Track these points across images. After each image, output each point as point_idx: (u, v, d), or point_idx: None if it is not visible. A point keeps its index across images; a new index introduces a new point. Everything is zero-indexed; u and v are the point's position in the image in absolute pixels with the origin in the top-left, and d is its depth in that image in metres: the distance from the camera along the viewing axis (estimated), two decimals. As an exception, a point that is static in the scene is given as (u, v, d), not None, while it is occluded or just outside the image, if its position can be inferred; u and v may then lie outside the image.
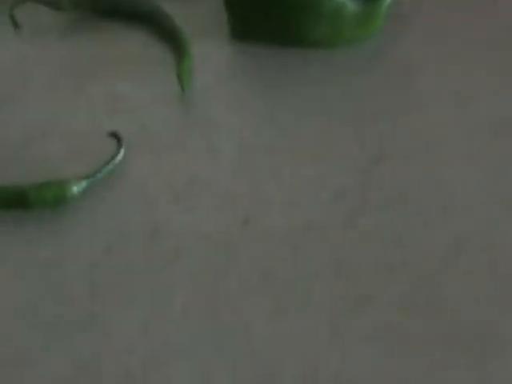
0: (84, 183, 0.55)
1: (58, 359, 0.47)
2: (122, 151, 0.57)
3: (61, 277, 0.52)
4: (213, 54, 0.65)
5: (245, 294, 0.50)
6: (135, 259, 0.53)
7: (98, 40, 0.67)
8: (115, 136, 0.58)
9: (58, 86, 0.63)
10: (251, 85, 0.62)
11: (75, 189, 0.55)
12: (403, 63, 0.63)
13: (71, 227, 0.54)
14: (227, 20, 0.66)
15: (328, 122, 0.60)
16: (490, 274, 0.49)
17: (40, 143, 0.59)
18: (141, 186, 0.56)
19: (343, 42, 0.63)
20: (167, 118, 0.60)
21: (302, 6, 0.61)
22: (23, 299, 0.51)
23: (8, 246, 0.54)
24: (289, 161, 0.58)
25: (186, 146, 0.59)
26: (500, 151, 0.57)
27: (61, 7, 0.68)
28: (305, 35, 0.63)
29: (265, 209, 0.55)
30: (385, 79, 0.62)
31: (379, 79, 0.62)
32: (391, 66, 0.63)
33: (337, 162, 0.57)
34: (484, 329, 0.46)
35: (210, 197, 0.56)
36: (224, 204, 0.55)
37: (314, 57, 0.64)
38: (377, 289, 0.49)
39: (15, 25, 0.68)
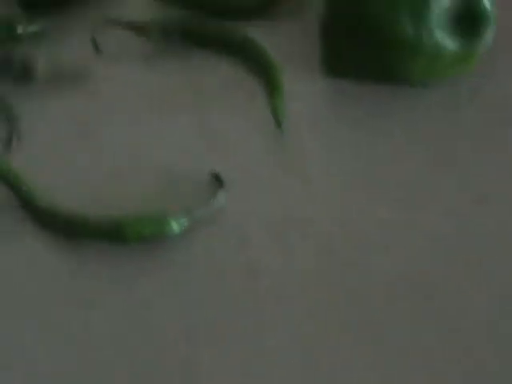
0: (184, 221, 0.54)
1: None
2: (224, 194, 0.56)
3: (155, 318, 0.51)
4: (303, 87, 0.64)
5: (342, 338, 0.49)
6: (232, 300, 0.52)
7: (187, 69, 0.66)
8: (217, 178, 0.57)
9: (146, 115, 0.63)
10: (344, 120, 0.62)
11: (175, 226, 0.54)
12: (499, 100, 0.62)
13: (167, 265, 0.54)
14: (320, 53, 0.65)
15: (423, 160, 0.59)
16: None
17: (131, 175, 0.59)
18: (236, 224, 0.56)
19: (438, 79, 0.62)
20: (261, 153, 0.60)
21: (402, 43, 0.60)
22: (116, 342, 0.50)
23: (100, 283, 0.53)
24: (384, 201, 0.57)
25: (281, 183, 0.58)
26: None
27: (149, 34, 0.67)
28: (400, 72, 0.62)
29: (361, 251, 0.54)
30: (481, 116, 0.61)
31: (475, 116, 0.61)
32: (487, 103, 0.62)
33: (434, 204, 0.56)
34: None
35: (306, 236, 0.55)
36: (320, 244, 0.54)
37: (407, 93, 0.63)
38: None
39: (96, 49, 0.67)
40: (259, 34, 0.68)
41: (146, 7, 0.70)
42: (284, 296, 0.52)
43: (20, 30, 0.67)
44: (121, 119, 0.63)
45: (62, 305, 0.52)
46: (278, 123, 0.60)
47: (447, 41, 0.60)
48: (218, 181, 0.57)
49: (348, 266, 0.54)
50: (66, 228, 0.54)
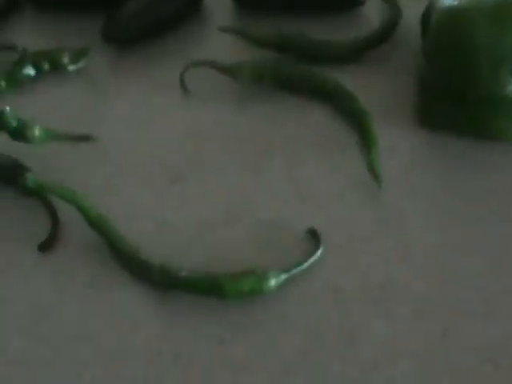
0: (282, 277, 0.53)
1: None
2: (320, 250, 0.55)
3: (250, 375, 0.50)
4: (396, 138, 0.62)
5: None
6: (330, 365, 0.50)
7: (278, 115, 0.65)
8: (313, 234, 0.56)
9: (235, 162, 0.62)
10: (440, 177, 0.60)
11: (273, 282, 0.53)
12: None
13: (262, 323, 0.53)
14: (415, 106, 0.64)
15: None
16: None
17: (222, 228, 0.58)
18: (333, 284, 0.55)
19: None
20: (357, 209, 0.59)
21: (501, 100, 0.59)
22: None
23: (195, 339, 0.52)
24: (486, 265, 0.55)
25: (379, 242, 0.57)
26: None
27: (240, 77, 0.65)
28: (499, 129, 0.60)
29: (463, 319, 0.52)
30: None
31: None
32: None
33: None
34: None
35: (407, 302, 0.54)
36: (421, 312, 0.53)
37: (506, 150, 0.61)
38: None
39: (184, 89, 0.66)
40: (349, 80, 0.66)
41: (236, 49, 0.69)
42: (385, 368, 0.50)
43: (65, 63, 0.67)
44: (206, 167, 0.62)
45: (153, 359, 0.51)
46: (377, 178, 0.58)
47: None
48: (314, 237, 0.56)
49: (450, 337, 0.52)
50: (161, 279, 0.53)
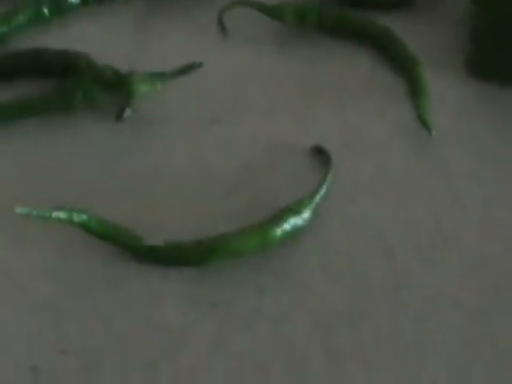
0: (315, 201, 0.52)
1: None
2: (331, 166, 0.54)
3: (292, 333, 0.48)
4: (446, 88, 0.60)
5: (500, 370, 0.46)
6: (375, 314, 0.49)
7: (322, 58, 0.62)
8: (320, 151, 0.55)
9: (277, 105, 0.59)
10: (490, 127, 0.58)
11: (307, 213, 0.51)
12: None
13: (303, 272, 0.51)
14: (466, 55, 0.61)
15: None
16: None
17: (262, 170, 0.55)
18: (379, 232, 0.52)
19: None
20: (403, 157, 0.56)
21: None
22: (250, 358, 0.47)
23: (233, 288, 0.50)
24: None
25: (428, 191, 0.54)
26: None
27: (282, 17, 0.63)
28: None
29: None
30: None
31: None
32: None
33: None
34: None
35: (456, 254, 0.51)
36: (472, 265, 0.51)
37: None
38: None
39: (223, 29, 0.63)
40: (399, 27, 0.64)
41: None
42: (433, 320, 0.48)
43: None
44: (247, 108, 0.59)
45: (189, 307, 0.49)
46: (428, 126, 0.56)
47: None
48: (321, 153, 0.54)
49: (502, 294, 0.49)
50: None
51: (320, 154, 0.55)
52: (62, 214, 0.49)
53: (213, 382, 0.46)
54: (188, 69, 0.57)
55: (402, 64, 0.61)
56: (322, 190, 0.53)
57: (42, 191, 0.54)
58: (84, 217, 0.50)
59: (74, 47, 0.61)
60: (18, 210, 0.48)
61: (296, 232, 0.51)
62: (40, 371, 0.46)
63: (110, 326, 0.48)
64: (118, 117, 0.57)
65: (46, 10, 0.64)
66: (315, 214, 0.52)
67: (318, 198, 0.52)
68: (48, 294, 0.49)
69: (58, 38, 0.64)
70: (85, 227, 0.50)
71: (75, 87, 0.57)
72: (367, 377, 0.46)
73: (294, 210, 0.51)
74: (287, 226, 0.50)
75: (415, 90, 0.58)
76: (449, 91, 0.60)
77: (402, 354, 0.47)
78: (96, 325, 0.48)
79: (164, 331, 0.48)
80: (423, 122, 0.56)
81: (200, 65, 0.57)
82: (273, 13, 0.63)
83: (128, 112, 0.57)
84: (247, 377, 0.46)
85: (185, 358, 0.47)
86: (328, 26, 0.63)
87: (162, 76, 0.57)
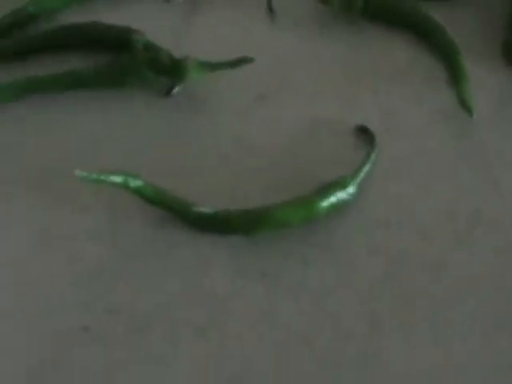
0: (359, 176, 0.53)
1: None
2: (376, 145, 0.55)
3: (337, 306, 0.49)
4: (483, 76, 0.61)
5: None
6: (414, 288, 0.50)
7: (364, 44, 0.64)
8: (364, 130, 0.56)
9: (322, 87, 0.61)
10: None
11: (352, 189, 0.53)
12: None
13: (348, 245, 0.52)
14: (504, 44, 0.63)
15: None
16: None
17: (305, 148, 0.57)
18: (415, 214, 0.54)
19: None
20: (442, 142, 0.58)
21: None
22: (296, 330, 0.48)
23: (282, 259, 0.51)
24: None
25: (466, 176, 0.56)
26: None
27: (329, 2, 0.64)
28: None
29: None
30: None
31: None
32: None
33: None
34: None
35: (493, 237, 0.53)
36: (508, 248, 0.52)
37: None
38: None
39: (270, 10, 0.65)
40: (438, 14, 0.65)
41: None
42: (467, 298, 0.50)
43: None
44: (298, 88, 0.61)
45: (238, 274, 0.51)
46: (469, 109, 0.57)
47: None
48: (365, 133, 0.56)
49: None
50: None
51: (364, 134, 0.57)
52: (118, 179, 0.51)
53: (260, 352, 0.47)
54: (239, 62, 0.59)
55: (442, 51, 0.62)
56: (367, 167, 0.54)
57: (94, 158, 0.56)
58: (139, 182, 0.52)
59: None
60: (77, 172, 0.50)
61: (341, 206, 0.53)
62: (91, 331, 0.48)
63: (159, 290, 0.50)
64: (168, 93, 0.59)
65: None
66: (360, 190, 0.54)
67: (362, 174, 0.54)
68: (100, 257, 0.51)
69: (107, 20, 0.65)
70: (139, 192, 0.52)
71: (130, 66, 0.59)
72: (408, 351, 0.48)
73: (341, 184, 0.52)
74: (333, 198, 0.52)
75: (456, 76, 0.60)
76: (487, 79, 0.61)
77: (438, 328, 0.49)
78: (146, 289, 0.50)
79: (212, 298, 0.49)
80: (465, 106, 0.58)
81: (251, 60, 0.58)
82: (319, -5, 0.65)
83: (177, 89, 0.59)
84: (293, 348, 0.47)
85: (233, 326, 0.48)
86: (372, 13, 0.64)
87: (213, 65, 0.59)
